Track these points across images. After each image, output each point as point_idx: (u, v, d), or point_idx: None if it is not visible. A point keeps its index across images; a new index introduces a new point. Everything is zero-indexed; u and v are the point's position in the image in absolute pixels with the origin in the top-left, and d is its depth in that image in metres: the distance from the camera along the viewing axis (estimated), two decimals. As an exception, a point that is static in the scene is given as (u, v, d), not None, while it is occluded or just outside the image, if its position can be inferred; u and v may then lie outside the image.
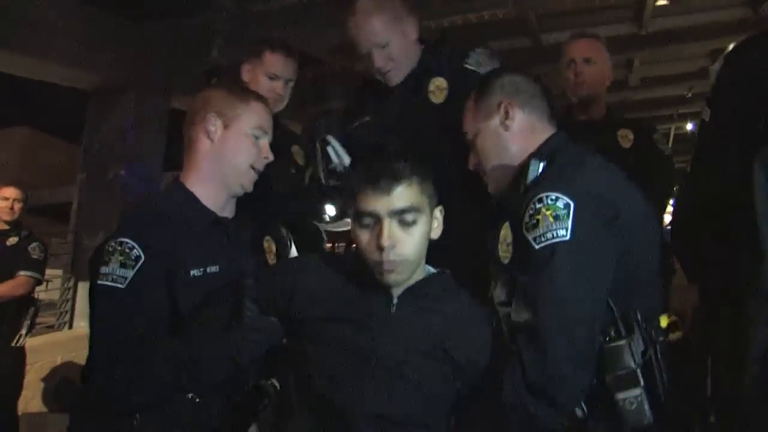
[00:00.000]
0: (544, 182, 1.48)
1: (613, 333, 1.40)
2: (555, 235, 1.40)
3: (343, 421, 1.45)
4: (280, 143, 2.39)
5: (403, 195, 1.46)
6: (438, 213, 1.56)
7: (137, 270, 1.60)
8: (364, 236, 1.48)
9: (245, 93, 1.84)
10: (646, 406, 1.36)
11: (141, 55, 3.97)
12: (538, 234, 1.42)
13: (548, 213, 1.42)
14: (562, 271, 1.38)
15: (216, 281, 1.68)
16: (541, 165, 1.55)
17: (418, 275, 1.54)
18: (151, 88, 4.11)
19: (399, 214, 1.46)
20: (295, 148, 2.41)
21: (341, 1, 2.15)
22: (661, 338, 1.41)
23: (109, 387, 1.54)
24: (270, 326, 1.56)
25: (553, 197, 1.42)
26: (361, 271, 1.51)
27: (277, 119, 2.23)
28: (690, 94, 8.02)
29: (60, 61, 3.61)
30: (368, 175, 1.48)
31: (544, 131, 1.62)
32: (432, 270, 1.58)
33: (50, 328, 4.72)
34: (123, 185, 3.90)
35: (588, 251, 1.40)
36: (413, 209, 1.47)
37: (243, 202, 1.87)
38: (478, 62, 2.00)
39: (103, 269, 1.61)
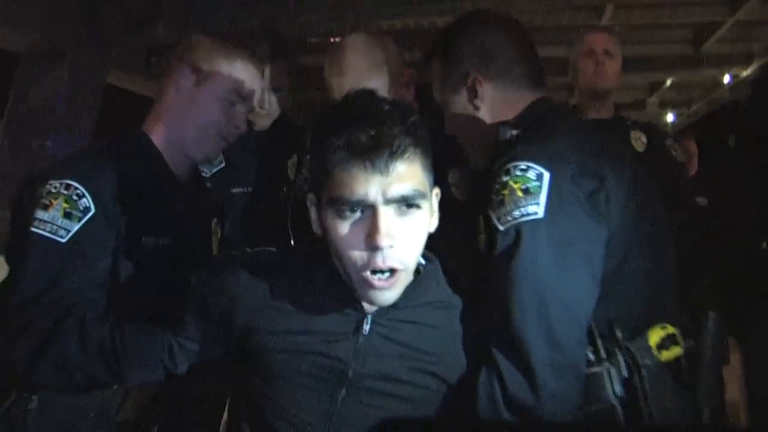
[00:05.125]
0: (513, 149, 1.23)
1: (590, 355, 1.15)
2: (524, 212, 1.14)
3: None
4: (280, 146, 2.25)
5: (405, 174, 1.08)
6: (434, 197, 1.21)
7: (84, 224, 1.37)
8: (347, 234, 1.10)
9: (231, 48, 1.61)
10: None
11: (80, 21, 3.76)
12: (503, 213, 1.17)
13: (516, 186, 1.16)
14: (533, 256, 1.13)
15: (165, 255, 1.49)
16: (513, 133, 1.30)
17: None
18: (88, 58, 3.90)
19: (398, 202, 1.09)
20: (292, 160, 2.24)
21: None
22: (648, 361, 1.15)
23: (15, 355, 1.31)
24: (206, 342, 1.30)
25: (523, 166, 1.17)
26: (321, 280, 1.21)
27: (285, 115, 2.07)
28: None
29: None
30: (352, 143, 1.08)
31: (523, 100, 1.37)
32: (421, 261, 1.24)
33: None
34: (48, 157, 3.68)
35: (568, 232, 1.14)
36: (418, 194, 1.10)
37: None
38: None
39: (41, 214, 1.36)
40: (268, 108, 2.17)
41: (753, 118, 1.93)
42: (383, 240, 1.06)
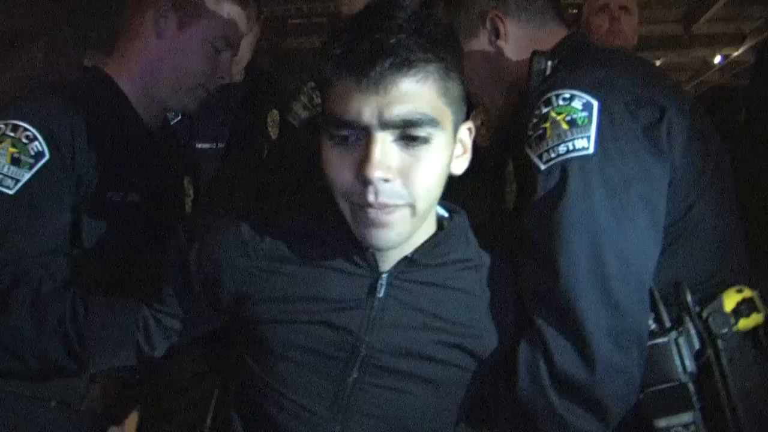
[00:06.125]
0: (553, 77, 1.05)
1: (651, 324, 0.96)
2: (570, 147, 0.96)
3: None
4: (255, 99, 2.01)
5: (410, 93, 0.87)
6: (465, 132, 1.00)
7: (36, 172, 1.15)
8: (337, 159, 0.91)
9: None
10: None
11: (56, 1, 3.63)
12: (545, 149, 0.98)
13: (560, 118, 0.98)
14: (584, 199, 0.95)
15: (135, 213, 1.28)
16: (549, 63, 1.10)
17: (424, 233, 1.00)
18: (65, 39, 3.77)
19: (401, 127, 0.88)
20: (272, 115, 1.98)
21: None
22: (725, 330, 0.96)
23: None
24: (188, 317, 1.11)
25: (567, 95, 0.99)
26: (325, 234, 1.01)
27: (258, 67, 1.91)
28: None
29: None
30: (349, 50, 0.87)
31: (552, 36, 1.19)
32: (443, 213, 1.06)
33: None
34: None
35: (623, 170, 0.96)
36: (425, 119, 0.88)
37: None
38: None
39: None
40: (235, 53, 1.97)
41: (760, 84, 1.83)
42: (374, 171, 0.86)
